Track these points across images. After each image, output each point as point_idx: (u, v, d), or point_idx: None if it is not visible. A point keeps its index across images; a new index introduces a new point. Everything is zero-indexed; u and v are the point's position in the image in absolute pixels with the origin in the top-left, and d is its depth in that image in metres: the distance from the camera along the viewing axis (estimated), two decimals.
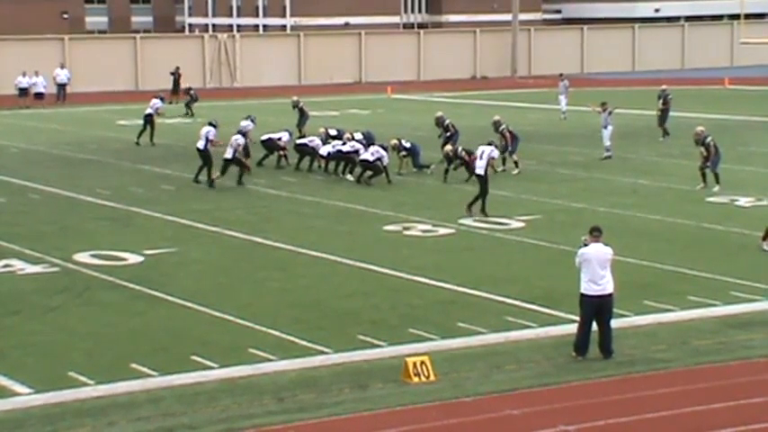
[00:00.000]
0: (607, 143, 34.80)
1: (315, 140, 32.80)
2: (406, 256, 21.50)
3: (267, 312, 17.49)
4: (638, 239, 22.84)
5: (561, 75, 52.56)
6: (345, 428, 12.80)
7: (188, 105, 50.67)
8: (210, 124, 31.04)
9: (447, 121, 35.32)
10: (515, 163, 31.97)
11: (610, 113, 35.07)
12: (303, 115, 40.25)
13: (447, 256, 21.64)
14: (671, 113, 41.33)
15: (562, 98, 49.02)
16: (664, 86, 42.08)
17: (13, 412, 13.21)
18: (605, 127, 34.88)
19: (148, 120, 40.07)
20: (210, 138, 30.48)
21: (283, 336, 16.18)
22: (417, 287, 19.19)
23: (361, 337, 16.05)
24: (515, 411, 13.20)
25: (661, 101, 41.21)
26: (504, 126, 32.31)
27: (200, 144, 30.58)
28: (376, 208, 26.72)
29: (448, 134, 34.48)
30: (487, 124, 46.44)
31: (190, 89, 52.06)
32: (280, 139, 33.45)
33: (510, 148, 32.02)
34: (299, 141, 33.44)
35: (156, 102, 40.91)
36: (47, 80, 56.58)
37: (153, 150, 38.38)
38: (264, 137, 33.66)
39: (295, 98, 42.35)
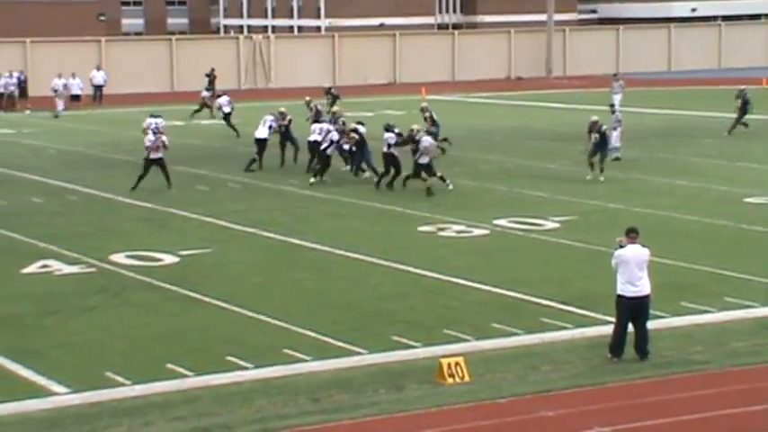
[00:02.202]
0: (616, 144, 34.63)
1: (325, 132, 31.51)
2: (442, 257, 21.47)
3: (303, 313, 17.52)
4: (676, 240, 22.70)
5: (615, 74, 52.51)
6: (380, 429, 12.79)
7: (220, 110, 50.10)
8: (270, 114, 33.28)
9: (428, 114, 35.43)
10: (601, 169, 30.52)
11: (617, 116, 34.93)
12: (318, 114, 40.51)
13: (482, 257, 21.60)
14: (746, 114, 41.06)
15: (616, 97, 48.92)
16: (743, 87, 41.91)
17: (51, 411, 13.31)
18: (614, 128, 34.73)
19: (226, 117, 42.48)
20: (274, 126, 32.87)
21: (319, 336, 16.20)
22: (452, 288, 19.16)
23: (397, 338, 16.04)
24: (550, 413, 13.15)
25: (740, 101, 41.05)
26: (605, 127, 30.98)
27: (262, 133, 32.71)
28: (411, 209, 26.71)
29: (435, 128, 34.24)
30: (521, 125, 46.52)
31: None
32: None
33: (603, 152, 30.71)
34: (310, 138, 32.10)
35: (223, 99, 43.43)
36: (83, 82, 56.97)
37: (188, 151, 38.54)
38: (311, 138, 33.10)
39: (308, 98, 42.77)
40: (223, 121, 43.25)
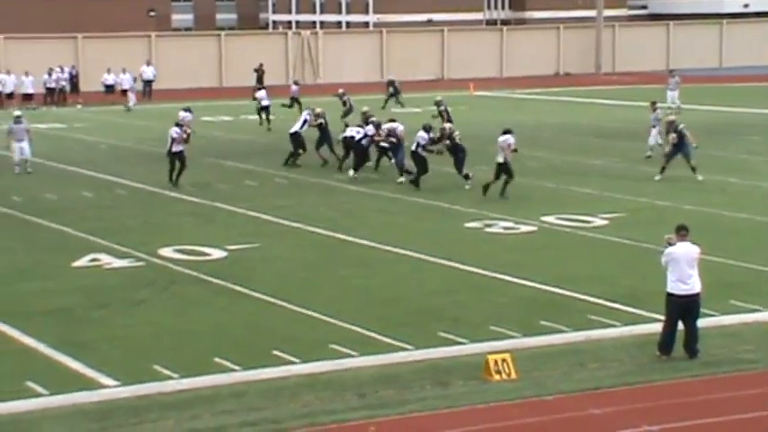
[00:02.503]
0: (652, 142, 34.29)
1: (361, 131, 31.47)
2: (488, 254, 21.42)
3: (349, 309, 17.55)
4: (726, 238, 22.48)
5: (672, 71, 52.18)
6: (426, 425, 12.79)
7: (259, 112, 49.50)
8: (308, 110, 33.45)
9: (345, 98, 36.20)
10: (692, 168, 29.46)
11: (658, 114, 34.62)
12: (348, 107, 40.76)
13: (529, 254, 21.51)
14: None
15: (671, 94, 48.61)
16: None
17: (101, 404, 13.43)
18: (654, 126, 34.42)
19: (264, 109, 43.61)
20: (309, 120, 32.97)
21: (365, 332, 16.22)
22: (499, 284, 19.11)
23: (443, 334, 16.03)
24: (598, 411, 13.08)
25: None
26: (681, 126, 30.13)
27: (295, 128, 32.98)
28: (458, 205, 26.67)
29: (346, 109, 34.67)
30: (570, 121, 46.26)
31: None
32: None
33: (684, 151, 29.68)
34: (345, 134, 32.15)
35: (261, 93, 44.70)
36: (133, 77, 57.40)
37: (236, 146, 38.77)
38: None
39: (341, 90, 43.09)
40: (258, 115, 44.09)
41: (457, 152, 29.18)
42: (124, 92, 56.30)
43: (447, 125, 29.66)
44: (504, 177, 27.31)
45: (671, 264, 14.81)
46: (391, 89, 52.47)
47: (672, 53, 76.83)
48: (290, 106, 48.16)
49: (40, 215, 25.91)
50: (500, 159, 27.36)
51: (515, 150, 27.75)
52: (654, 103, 35.19)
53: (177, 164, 29.67)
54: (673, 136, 29.82)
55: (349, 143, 31.44)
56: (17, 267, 20.78)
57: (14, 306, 17.94)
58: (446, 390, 13.80)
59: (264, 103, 44.45)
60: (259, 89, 47.10)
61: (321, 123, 33.11)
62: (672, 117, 31.00)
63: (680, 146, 29.79)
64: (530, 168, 32.68)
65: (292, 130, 33.29)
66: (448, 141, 28.88)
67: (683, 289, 14.74)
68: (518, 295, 18.41)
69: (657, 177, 29.82)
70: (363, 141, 30.81)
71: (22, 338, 16.14)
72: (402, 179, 29.90)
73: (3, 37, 62.57)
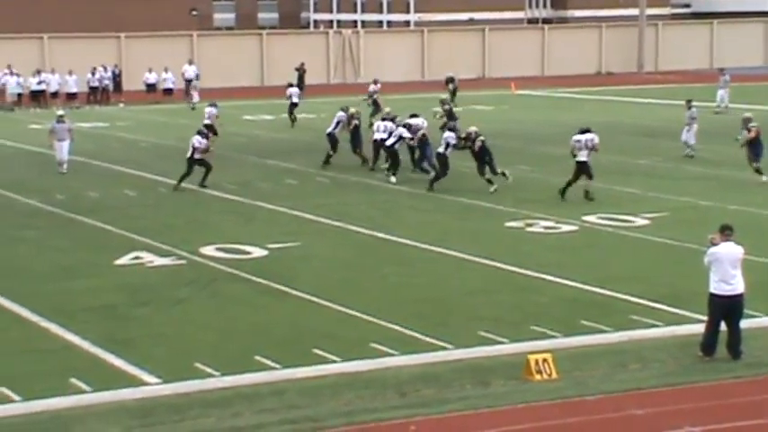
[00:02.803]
0: (690, 140, 34.00)
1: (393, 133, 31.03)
2: (529, 253, 21.35)
3: (389, 308, 17.55)
4: None
5: (722, 69, 51.86)
6: (467, 424, 12.77)
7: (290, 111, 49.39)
8: (342, 110, 33.28)
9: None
10: (757, 170, 28.91)
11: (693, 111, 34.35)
12: (377, 107, 40.78)
13: (570, 254, 21.42)
14: None
15: (721, 92, 48.38)
16: None
17: (143, 401, 13.53)
18: (689, 125, 34.14)
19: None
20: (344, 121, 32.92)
21: (405, 331, 16.22)
22: (540, 284, 19.05)
23: (483, 334, 16.00)
24: (639, 411, 13.01)
25: None
26: (754, 124, 29.63)
27: (330, 128, 33.03)
28: (498, 204, 26.60)
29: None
30: (612, 120, 45.99)
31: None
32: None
33: (757, 150, 29.05)
34: (375, 137, 31.72)
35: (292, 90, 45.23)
36: (175, 76, 57.76)
37: (277, 145, 38.89)
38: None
39: (372, 88, 43.21)
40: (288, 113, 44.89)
41: (483, 155, 28.38)
42: (167, 91, 56.64)
43: (473, 128, 28.88)
44: (583, 178, 26.66)
45: (714, 264, 14.70)
46: (451, 86, 52.24)
47: (715, 52, 76.21)
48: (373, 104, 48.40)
49: (83, 213, 26.12)
50: (582, 158, 26.75)
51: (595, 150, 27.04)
52: (689, 102, 34.96)
53: (198, 167, 29.39)
54: (746, 133, 29.19)
55: (379, 145, 31.21)
56: (61, 265, 20.97)
57: (59, 304, 18.10)
58: (486, 389, 13.77)
59: (294, 99, 44.92)
60: (290, 86, 47.23)
61: (356, 125, 33.04)
62: (748, 114, 30.44)
63: (755, 144, 29.14)
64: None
65: (328, 131, 33.29)
66: (471, 144, 28.23)
67: (726, 289, 14.62)
68: (559, 295, 18.34)
69: (765, 178, 28.93)
70: (396, 146, 30.39)
71: (65, 336, 16.29)
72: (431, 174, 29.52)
73: (47, 36, 63.14)
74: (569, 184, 26.90)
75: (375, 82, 48.77)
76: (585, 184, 26.83)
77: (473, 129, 29.04)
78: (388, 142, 30.50)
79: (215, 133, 36.43)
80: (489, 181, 28.24)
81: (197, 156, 29.55)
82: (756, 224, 23.69)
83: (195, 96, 54.17)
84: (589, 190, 26.76)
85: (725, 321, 14.75)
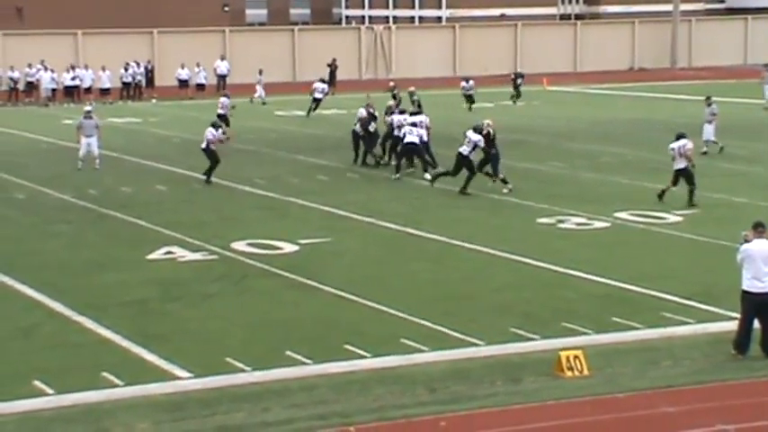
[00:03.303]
0: (710, 138, 33.78)
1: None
2: (560, 250, 21.28)
3: (419, 303, 17.55)
4: None
5: (767, 65, 51.70)
6: (497, 421, 12.74)
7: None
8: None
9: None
10: None
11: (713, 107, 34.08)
12: (398, 101, 40.71)
13: (602, 250, 21.34)
14: None
15: (767, 88, 48.29)
16: None
17: (174, 395, 13.58)
18: (709, 122, 33.92)
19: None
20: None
21: (435, 327, 16.21)
22: (571, 281, 18.98)
23: (514, 330, 15.96)
24: (671, 409, 12.94)
25: None
26: None
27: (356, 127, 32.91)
28: (530, 200, 26.53)
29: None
30: (644, 116, 45.79)
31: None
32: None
33: None
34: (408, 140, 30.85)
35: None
36: (207, 72, 57.95)
37: (308, 141, 38.93)
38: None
39: (392, 84, 43.29)
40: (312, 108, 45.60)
41: (490, 152, 27.95)
42: (199, 86, 56.83)
43: (487, 121, 28.26)
44: (687, 186, 25.75)
45: (746, 261, 14.60)
46: (519, 81, 51.99)
47: (750, 48, 75.64)
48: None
49: (115, 208, 26.27)
50: (680, 165, 25.77)
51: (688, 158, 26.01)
52: (708, 98, 34.81)
53: (210, 161, 29.76)
54: None
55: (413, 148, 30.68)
56: (93, 260, 21.09)
57: (91, 298, 18.21)
58: (517, 386, 13.74)
59: (317, 95, 45.12)
60: (321, 81, 47.35)
61: (372, 114, 32.84)
62: None
63: None
64: (603, 164, 32.42)
65: (353, 129, 33.06)
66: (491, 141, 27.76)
67: (758, 287, 14.52)
68: (590, 292, 18.27)
69: None
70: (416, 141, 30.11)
71: (98, 330, 16.39)
72: (427, 175, 29.46)
73: (80, 32, 63.52)
74: (662, 193, 26.01)
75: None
76: (689, 190, 25.76)
77: (487, 122, 28.35)
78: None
79: (227, 124, 37.43)
80: (504, 181, 27.83)
81: (212, 147, 29.70)
82: None
83: (261, 91, 54.04)
84: (691, 197, 25.67)
85: (758, 319, 14.65)
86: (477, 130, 27.82)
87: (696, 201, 25.60)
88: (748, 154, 33.78)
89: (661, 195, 26.02)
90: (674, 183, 25.96)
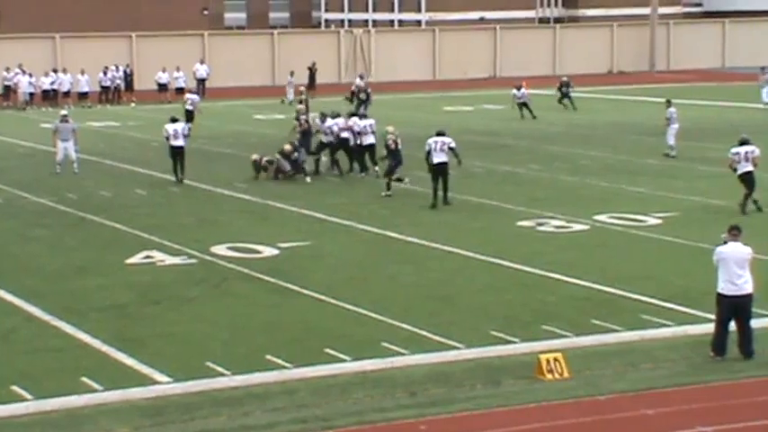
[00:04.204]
0: (671, 141, 33.98)
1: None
2: (540, 252, 21.33)
3: (400, 307, 17.55)
4: None
5: (763, 68, 52.06)
6: (478, 424, 12.76)
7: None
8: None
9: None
10: None
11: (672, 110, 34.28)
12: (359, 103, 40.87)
13: (581, 253, 21.39)
14: None
15: (765, 91, 48.69)
16: None
17: (154, 400, 13.54)
18: (672, 124, 34.12)
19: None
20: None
21: (415, 330, 16.21)
22: (551, 283, 19.02)
23: (494, 333, 15.98)
24: (650, 411, 12.98)
25: None
26: None
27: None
28: (509, 203, 26.57)
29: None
30: (623, 119, 45.94)
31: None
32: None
33: None
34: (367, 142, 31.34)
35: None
36: (187, 76, 57.84)
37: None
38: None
39: (355, 86, 43.52)
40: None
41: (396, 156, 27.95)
42: (179, 90, 56.71)
43: (390, 133, 28.05)
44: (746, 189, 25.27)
45: (720, 264, 14.68)
46: (565, 89, 51.61)
47: (728, 51, 76.03)
48: (351, 101, 48.56)
49: (94, 212, 26.18)
50: (746, 169, 25.28)
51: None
52: (669, 101, 35.11)
53: (177, 159, 30.17)
54: None
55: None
56: (72, 264, 21.01)
57: (70, 302, 18.14)
58: (498, 389, 13.76)
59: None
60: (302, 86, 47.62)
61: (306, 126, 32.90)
62: None
63: None
64: (582, 167, 32.52)
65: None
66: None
67: (731, 290, 14.59)
68: (570, 294, 18.31)
69: None
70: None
71: (77, 334, 16.32)
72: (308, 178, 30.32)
73: (59, 36, 63.29)
74: (746, 197, 25.26)
75: (361, 77, 49.60)
76: (748, 192, 25.26)
77: (390, 133, 28.17)
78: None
79: (191, 120, 39.08)
80: (399, 179, 27.93)
81: (174, 143, 30.18)
82: (767, 223, 23.63)
83: (290, 94, 54.08)
84: (746, 202, 25.11)
85: (735, 321, 14.72)
86: (443, 133, 27.12)
87: (750, 208, 24.94)
88: (724, 156, 33.88)
89: (743, 207, 24.97)
90: (745, 185, 25.29)
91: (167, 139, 30.66)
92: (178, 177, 30.42)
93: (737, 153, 25.58)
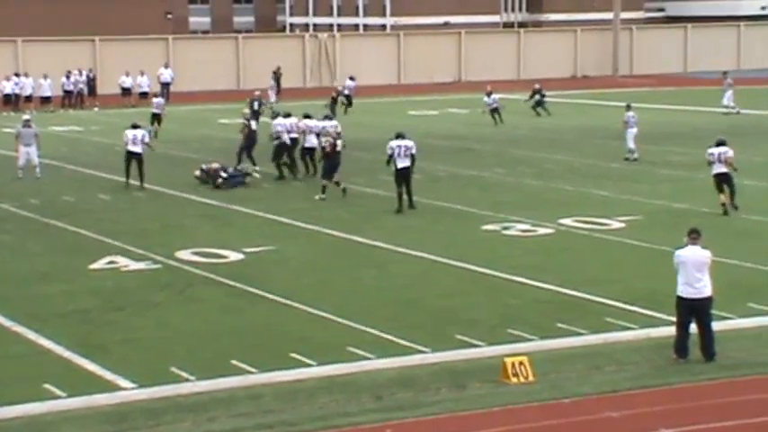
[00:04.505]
0: (631, 145, 34.28)
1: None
2: (505, 256, 21.39)
3: (365, 311, 17.55)
4: (743, 241, 22.40)
5: (725, 72, 52.57)
6: (443, 428, 12.77)
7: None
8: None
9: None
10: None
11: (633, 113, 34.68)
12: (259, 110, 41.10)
13: (546, 256, 21.47)
14: None
15: (727, 94, 49.20)
16: None
17: (118, 406, 13.46)
18: (631, 128, 34.42)
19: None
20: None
21: (381, 334, 16.21)
22: (516, 287, 19.08)
23: (459, 337, 16.01)
24: (615, 413, 13.05)
25: None
26: None
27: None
28: (474, 207, 26.63)
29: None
30: (587, 124, 46.16)
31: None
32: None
33: None
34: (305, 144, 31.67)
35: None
36: (151, 80, 57.59)
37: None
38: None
39: (258, 93, 44.15)
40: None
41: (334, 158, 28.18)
42: (143, 94, 56.46)
43: (327, 138, 28.68)
44: (728, 189, 25.56)
45: (680, 267, 14.80)
46: (539, 97, 51.70)
47: (689, 56, 76.60)
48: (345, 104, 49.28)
49: (57, 218, 26.00)
50: (720, 170, 25.49)
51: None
52: (628, 106, 35.47)
53: (134, 164, 30.08)
54: None
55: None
56: (35, 270, 20.85)
57: (32, 308, 18.00)
58: (463, 392, 13.78)
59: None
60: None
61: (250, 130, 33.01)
62: None
63: None
64: (547, 171, 32.65)
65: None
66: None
67: (690, 292, 14.70)
68: (535, 297, 18.37)
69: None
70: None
71: (39, 341, 16.19)
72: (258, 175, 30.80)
73: (21, 40, 62.84)
74: (723, 204, 25.40)
75: (351, 78, 49.77)
76: (728, 192, 25.54)
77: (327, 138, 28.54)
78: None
79: (159, 123, 40.27)
80: (337, 183, 28.07)
81: (132, 148, 30.10)
82: (729, 227, 23.82)
83: (272, 96, 54.48)
84: (729, 202, 25.42)
85: (695, 324, 14.83)
86: (403, 136, 26.93)
87: (737, 203, 25.33)
88: (689, 160, 34.15)
89: (725, 210, 25.20)
90: (720, 189, 25.55)
91: (126, 144, 30.50)
92: (128, 182, 30.20)
93: (713, 154, 25.89)
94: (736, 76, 56.92)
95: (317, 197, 27.88)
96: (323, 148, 28.53)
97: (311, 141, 30.91)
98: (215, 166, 30.96)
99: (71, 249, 22.67)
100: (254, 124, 33.66)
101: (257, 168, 32.11)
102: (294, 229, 24.64)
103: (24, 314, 17.53)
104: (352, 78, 55.36)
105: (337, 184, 28.14)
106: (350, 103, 52.19)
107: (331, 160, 28.15)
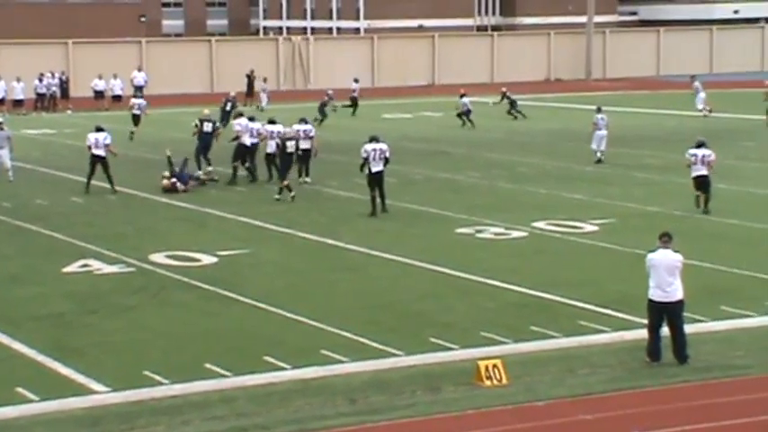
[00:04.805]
0: (598, 146, 34.50)
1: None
2: (479, 259, 21.44)
3: (339, 314, 17.55)
4: (715, 244, 22.54)
5: (693, 76, 52.95)
6: (417, 431, 12.79)
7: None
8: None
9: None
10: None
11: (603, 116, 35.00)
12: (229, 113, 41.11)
13: (520, 259, 21.54)
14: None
15: (700, 97, 49.77)
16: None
17: (92, 410, 13.41)
18: (599, 129, 34.66)
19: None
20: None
21: (355, 337, 16.22)
22: (490, 290, 19.12)
23: (434, 340, 16.03)
24: (588, 416, 13.10)
25: None
26: None
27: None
28: (448, 211, 26.68)
29: None
30: (561, 127, 46.34)
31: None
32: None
33: None
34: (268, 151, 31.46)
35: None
36: (124, 83, 57.39)
37: (225, 151, 38.62)
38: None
39: (233, 94, 44.15)
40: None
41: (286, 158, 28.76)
42: (116, 97, 56.25)
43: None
44: (703, 193, 25.86)
45: (651, 270, 14.88)
46: (509, 100, 51.82)
47: (662, 59, 77.02)
48: (351, 106, 49.58)
49: (30, 221, 25.87)
50: (701, 172, 25.80)
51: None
52: (599, 108, 35.71)
53: (99, 167, 29.80)
54: None
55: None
56: (7, 273, 20.74)
57: (4, 312, 17.90)
58: (437, 395, 13.80)
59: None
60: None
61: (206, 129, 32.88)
62: None
63: None
64: (521, 174, 32.75)
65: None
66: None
67: (661, 296, 14.78)
68: (508, 300, 18.42)
69: None
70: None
71: (11, 344, 16.11)
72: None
73: None
74: (697, 198, 25.89)
75: (356, 80, 50.23)
76: (704, 197, 25.83)
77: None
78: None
79: (137, 124, 41.43)
80: (289, 188, 28.24)
81: (96, 151, 29.81)
82: (702, 230, 23.96)
83: (264, 99, 54.82)
84: (706, 204, 25.76)
85: (667, 327, 14.91)
86: (377, 139, 26.74)
87: (711, 208, 25.63)
88: (662, 163, 34.36)
89: (698, 203, 25.81)
90: (698, 188, 25.86)
91: (89, 147, 30.24)
92: (89, 185, 29.88)
93: (694, 155, 26.05)
94: (708, 80, 57.39)
95: (276, 196, 28.11)
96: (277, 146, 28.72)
97: (272, 147, 30.75)
98: (165, 183, 30.28)
99: (44, 252, 22.56)
100: (211, 126, 33.25)
101: (210, 169, 31.99)
102: (268, 232, 24.62)
103: None
104: (356, 80, 55.53)
105: (289, 189, 28.10)
106: (355, 105, 52.54)
107: (283, 162, 28.55)
